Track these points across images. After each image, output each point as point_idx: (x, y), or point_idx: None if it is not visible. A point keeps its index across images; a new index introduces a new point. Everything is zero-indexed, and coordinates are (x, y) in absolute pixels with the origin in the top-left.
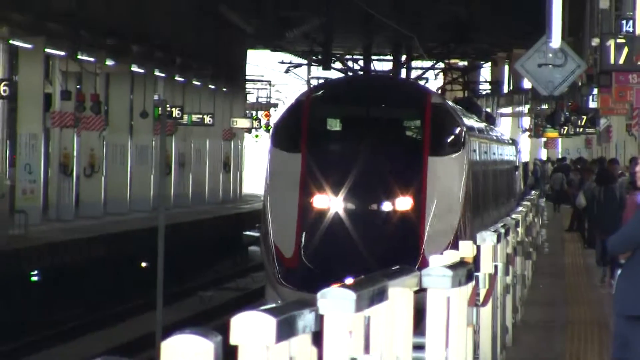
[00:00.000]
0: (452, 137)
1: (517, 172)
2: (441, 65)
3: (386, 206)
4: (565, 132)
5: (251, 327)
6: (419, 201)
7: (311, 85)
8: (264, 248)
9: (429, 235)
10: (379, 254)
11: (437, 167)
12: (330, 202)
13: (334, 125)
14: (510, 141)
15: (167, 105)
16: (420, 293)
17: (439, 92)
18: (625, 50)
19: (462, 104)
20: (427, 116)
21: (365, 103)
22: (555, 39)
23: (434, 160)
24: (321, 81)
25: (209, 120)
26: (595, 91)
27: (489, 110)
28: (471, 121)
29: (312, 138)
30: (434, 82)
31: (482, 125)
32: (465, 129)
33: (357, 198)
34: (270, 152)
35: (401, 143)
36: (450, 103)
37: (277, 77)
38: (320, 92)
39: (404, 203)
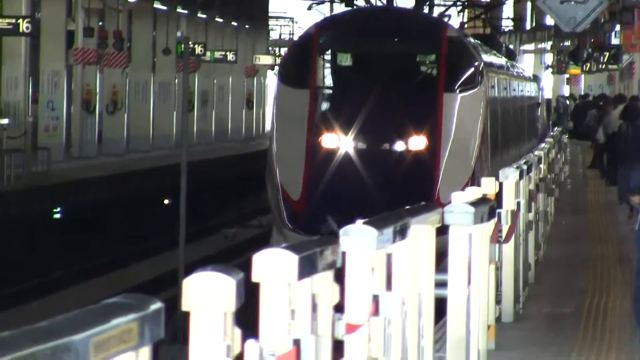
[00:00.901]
0: (469, 72)
1: (539, 109)
2: (464, 1)
3: (399, 146)
4: (587, 69)
5: (273, 265)
6: (433, 140)
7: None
8: (270, 190)
9: (443, 176)
10: (391, 197)
11: (453, 104)
12: (340, 142)
13: (344, 60)
14: (532, 77)
15: (190, 42)
16: (442, 236)
17: (460, 27)
18: None
19: (481, 39)
20: (442, 50)
21: (377, 36)
22: None
23: (450, 97)
24: None
25: (232, 57)
26: (618, 27)
27: (511, 46)
28: (490, 56)
29: (320, 73)
30: (457, 19)
31: (502, 60)
32: (483, 64)
33: (368, 137)
34: (277, 88)
35: (415, 79)
36: (467, 37)
37: (300, 14)
38: (330, 25)
39: (417, 142)
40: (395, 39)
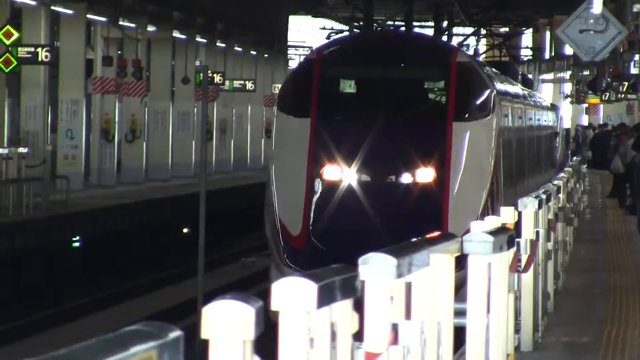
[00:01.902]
0: (480, 100)
1: (557, 138)
2: (483, 31)
3: (405, 178)
4: (606, 99)
5: (292, 293)
6: (442, 172)
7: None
8: (268, 225)
9: (452, 211)
10: (396, 232)
11: (463, 134)
12: (343, 174)
13: (348, 87)
14: (550, 106)
15: (209, 71)
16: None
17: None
18: None
19: (496, 66)
20: (452, 76)
21: (382, 62)
22: (597, 5)
23: (460, 126)
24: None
25: (251, 86)
26: (637, 57)
27: (530, 76)
28: (504, 84)
29: (322, 101)
30: (475, 48)
31: (518, 88)
32: (495, 92)
33: (372, 169)
34: (276, 117)
35: (423, 107)
36: (479, 62)
37: (319, 44)
38: (332, 50)
39: (425, 174)
40: (402, 65)
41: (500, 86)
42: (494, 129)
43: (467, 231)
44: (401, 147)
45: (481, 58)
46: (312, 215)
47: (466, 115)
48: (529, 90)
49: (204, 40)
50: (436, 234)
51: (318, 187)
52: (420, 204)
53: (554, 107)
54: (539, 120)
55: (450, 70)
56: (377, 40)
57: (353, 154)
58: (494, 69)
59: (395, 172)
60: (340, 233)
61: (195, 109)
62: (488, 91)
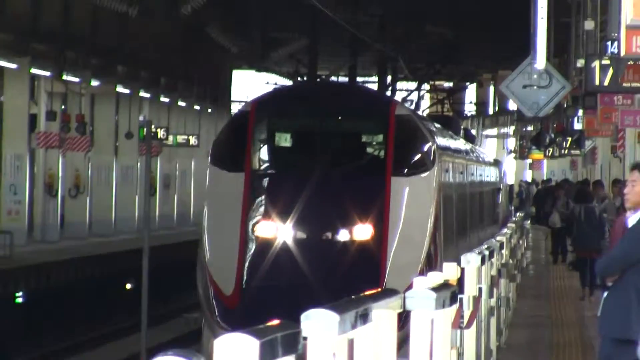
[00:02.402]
0: (420, 154)
1: (500, 194)
2: (426, 86)
3: (342, 235)
4: (550, 154)
5: (234, 350)
6: (380, 229)
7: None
8: (200, 283)
9: (391, 269)
10: (333, 291)
11: (402, 189)
12: (277, 230)
13: (283, 140)
14: (494, 162)
15: (153, 126)
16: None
17: (419, 111)
18: (610, 71)
19: (438, 121)
20: (390, 129)
21: (319, 114)
22: (540, 60)
23: (398, 181)
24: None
25: (194, 141)
26: (581, 112)
27: (473, 131)
28: (445, 138)
29: (257, 155)
30: (416, 102)
31: (460, 143)
32: (435, 146)
33: (308, 225)
34: (209, 171)
35: (360, 161)
36: (419, 115)
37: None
38: (268, 102)
39: (362, 231)
40: (339, 117)
41: (441, 140)
42: (434, 183)
43: (408, 288)
44: (338, 203)
45: (425, 112)
46: (245, 273)
47: (405, 170)
48: (472, 145)
49: (148, 95)
50: (377, 290)
51: (252, 244)
52: (358, 261)
53: (497, 163)
54: (481, 175)
55: (389, 123)
56: (314, 91)
57: (288, 209)
58: (435, 123)
59: (331, 229)
60: (274, 292)
61: (139, 164)
62: (428, 145)
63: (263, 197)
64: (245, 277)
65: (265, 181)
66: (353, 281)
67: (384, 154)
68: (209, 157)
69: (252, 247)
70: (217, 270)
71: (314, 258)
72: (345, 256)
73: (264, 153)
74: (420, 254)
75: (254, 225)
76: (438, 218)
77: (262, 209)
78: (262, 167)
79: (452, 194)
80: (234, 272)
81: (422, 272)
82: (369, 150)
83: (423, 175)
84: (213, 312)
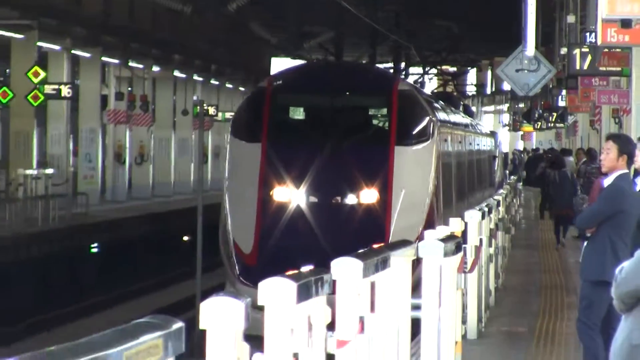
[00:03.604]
0: (420, 125)
1: (496, 161)
2: (434, 71)
3: (350, 199)
4: (538, 127)
5: (275, 291)
6: (384, 193)
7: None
8: (222, 243)
9: (394, 229)
10: (342, 249)
11: (404, 158)
12: (292, 195)
13: (297, 113)
14: (489, 133)
15: (204, 105)
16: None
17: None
18: (589, 58)
19: (439, 97)
20: (393, 104)
21: (329, 90)
22: (530, 48)
23: (401, 150)
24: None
25: None
26: (564, 92)
27: (473, 108)
28: (444, 111)
29: (272, 128)
30: (428, 84)
31: (459, 116)
32: (435, 118)
33: (319, 191)
34: (230, 142)
35: (366, 132)
36: (420, 91)
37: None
38: (282, 80)
39: (369, 196)
40: (347, 93)
41: (440, 114)
42: (434, 152)
43: None
44: (346, 170)
45: (430, 91)
46: (263, 234)
47: (407, 140)
48: (471, 118)
49: (201, 79)
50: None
51: (268, 207)
52: (365, 223)
53: (492, 134)
54: (478, 145)
55: (392, 98)
56: (324, 69)
57: (301, 176)
58: (437, 99)
59: (340, 194)
60: (289, 250)
61: (193, 137)
62: (428, 117)
63: (278, 165)
64: (262, 237)
65: (280, 151)
66: (360, 240)
67: (388, 125)
68: (230, 129)
69: (269, 210)
70: (238, 231)
71: (324, 220)
72: (353, 218)
73: (279, 125)
74: (421, 216)
75: (270, 190)
76: (438, 183)
77: (277, 175)
78: (277, 138)
79: (451, 161)
80: (252, 233)
81: (423, 232)
82: (374, 122)
83: (424, 144)
84: (234, 268)
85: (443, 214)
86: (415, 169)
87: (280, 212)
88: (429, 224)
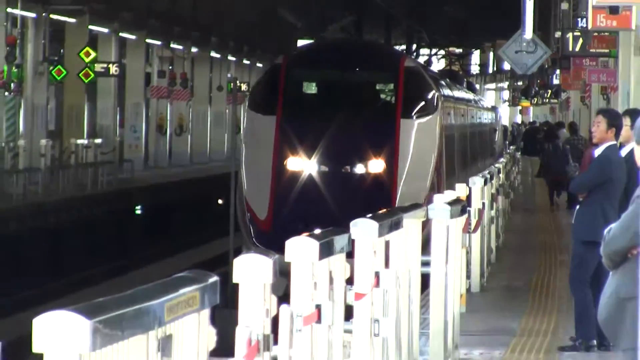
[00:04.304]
0: (425, 100)
1: (496, 133)
2: (442, 52)
3: (359, 168)
4: (535, 102)
5: (300, 248)
6: (391, 163)
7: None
8: (239, 210)
9: (401, 197)
10: (351, 215)
11: (410, 130)
12: (304, 165)
13: (309, 88)
14: (491, 107)
15: (237, 82)
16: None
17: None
18: (580, 41)
19: (444, 74)
20: (400, 79)
21: (340, 67)
22: (528, 32)
23: (406, 123)
24: None
25: None
26: (558, 71)
27: (477, 86)
28: (448, 87)
29: (287, 101)
30: (437, 64)
31: (462, 92)
32: (439, 93)
33: (330, 160)
34: (247, 114)
35: (375, 106)
36: (426, 68)
37: None
38: (296, 57)
39: (376, 165)
40: (357, 69)
41: (444, 89)
42: (438, 125)
43: None
44: (355, 141)
45: (436, 70)
46: (277, 201)
47: (412, 114)
48: (473, 94)
49: (234, 59)
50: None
51: (282, 176)
52: (372, 190)
53: (493, 108)
54: (480, 118)
55: (399, 74)
56: (335, 47)
57: (313, 147)
58: (442, 76)
59: (350, 163)
60: (302, 217)
61: (227, 110)
62: (432, 92)
63: (292, 136)
64: (276, 204)
65: (294, 123)
66: (368, 207)
67: (394, 100)
68: (247, 103)
69: (283, 179)
70: (253, 198)
71: (335, 188)
72: (362, 186)
73: (292, 99)
74: (425, 184)
75: (284, 160)
76: (441, 154)
77: (291, 146)
78: (291, 111)
79: (454, 133)
80: (267, 200)
81: (427, 200)
82: (382, 97)
83: (428, 118)
84: (250, 233)
85: (447, 182)
86: (419, 140)
87: (293, 180)
88: (433, 191)
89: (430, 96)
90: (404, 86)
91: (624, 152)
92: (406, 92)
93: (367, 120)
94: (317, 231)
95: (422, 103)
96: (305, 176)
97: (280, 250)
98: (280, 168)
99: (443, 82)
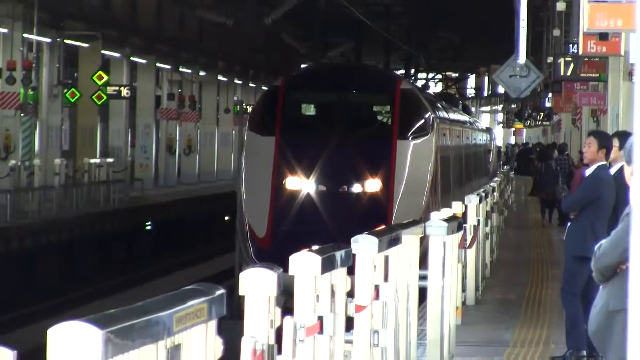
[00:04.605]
0: (421, 121)
1: (490, 153)
2: (439, 76)
3: (356, 188)
4: (528, 124)
5: (304, 262)
6: (387, 183)
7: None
8: (238, 227)
9: (396, 216)
10: (348, 234)
11: (406, 150)
12: (302, 184)
13: (308, 110)
14: (486, 129)
15: (244, 104)
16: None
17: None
18: (572, 66)
19: (440, 97)
20: (396, 101)
21: (337, 88)
22: (522, 57)
23: (403, 144)
24: None
25: None
26: (550, 95)
27: (472, 108)
28: (443, 109)
29: (285, 122)
30: (434, 88)
31: (457, 114)
32: (434, 115)
33: (328, 180)
34: (246, 135)
35: (371, 127)
36: (421, 90)
37: None
38: (295, 79)
39: (373, 185)
40: (354, 91)
41: (439, 111)
42: (433, 146)
43: None
44: (352, 162)
45: (432, 92)
46: (275, 219)
47: (408, 135)
48: (468, 116)
49: (240, 82)
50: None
51: (281, 195)
52: (369, 210)
53: (488, 130)
54: (475, 139)
55: (395, 96)
56: (333, 69)
57: (311, 167)
58: (438, 99)
59: (347, 183)
60: (300, 235)
61: (233, 131)
62: (428, 114)
63: (290, 156)
64: (275, 223)
65: (292, 143)
66: (364, 226)
67: (390, 121)
68: (247, 124)
69: (281, 197)
70: (252, 216)
71: (332, 207)
72: (358, 205)
73: (291, 120)
74: (421, 203)
75: (282, 179)
76: (436, 174)
77: (289, 166)
78: (290, 132)
79: (450, 154)
80: (266, 218)
81: (423, 218)
82: (379, 118)
83: (423, 139)
84: (248, 251)
85: (442, 201)
86: (415, 160)
87: (291, 199)
88: (429, 210)
89: (425, 117)
90: (400, 108)
91: (612, 171)
92: (402, 113)
93: (363, 140)
94: (315, 247)
95: (418, 124)
96: (303, 195)
97: (279, 267)
98: (279, 187)
99: (439, 104)
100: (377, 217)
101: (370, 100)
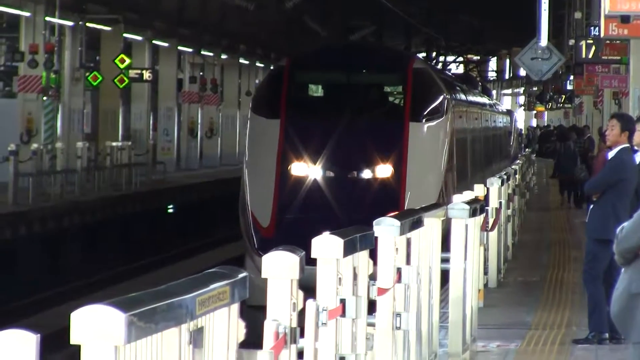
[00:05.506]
0: (435, 102)
1: (512, 136)
2: (460, 59)
3: (366, 173)
4: (549, 107)
5: (326, 246)
6: (399, 168)
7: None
8: (242, 217)
9: (409, 204)
10: (357, 224)
11: (418, 133)
12: (309, 170)
13: (315, 91)
14: (506, 111)
15: None
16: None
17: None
18: (593, 48)
19: (458, 78)
20: (408, 81)
21: (346, 68)
22: (543, 40)
23: (415, 126)
24: None
25: None
26: (572, 77)
27: (494, 91)
28: (460, 90)
29: (291, 104)
30: (455, 71)
31: (476, 96)
32: (449, 96)
33: (336, 165)
34: (250, 118)
35: (382, 109)
36: (436, 69)
37: None
38: (301, 59)
39: (384, 170)
40: (363, 71)
41: (456, 91)
42: (447, 128)
43: None
44: (362, 146)
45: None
46: (280, 207)
47: (421, 117)
48: (488, 98)
49: (262, 65)
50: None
51: (287, 182)
52: (380, 197)
53: (509, 112)
54: (495, 121)
55: (407, 75)
56: (341, 49)
57: (319, 151)
58: (455, 79)
59: (356, 168)
60: (306, 224)
61: None
62: (442, 95)
63: (296, 140)
64: (280, 212)
65: (299, 127)
66: (375, 214)
67: (402, 102)
68: (250, 106)
69: (287, 185)
70: (256, 205)
71: (341, 194)
72: (369, 192)
73: (297, 103)
74: (435, 189)
75: (288, 165)
76: (452, 158)
77: (295, 151)
78: (296, 115)
79: (467, 136)
80: (270, 207)
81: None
82: (390, 99)
83: (437, 121)
84: (252, 241)
85: (458, 186)
86: (429, 144)
87: (297, 186)
88: (443, 196)
89: (440, 98)
90: (413, 88)
91: (638, 158)
92: (415, 94)
93: (374, 123)
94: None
95: (432, 106)
96: (310, 182)
97: (301, 250)
98: (284, 173)
99: (455, 85)
100: (388, 204)
101: (381, 81)
